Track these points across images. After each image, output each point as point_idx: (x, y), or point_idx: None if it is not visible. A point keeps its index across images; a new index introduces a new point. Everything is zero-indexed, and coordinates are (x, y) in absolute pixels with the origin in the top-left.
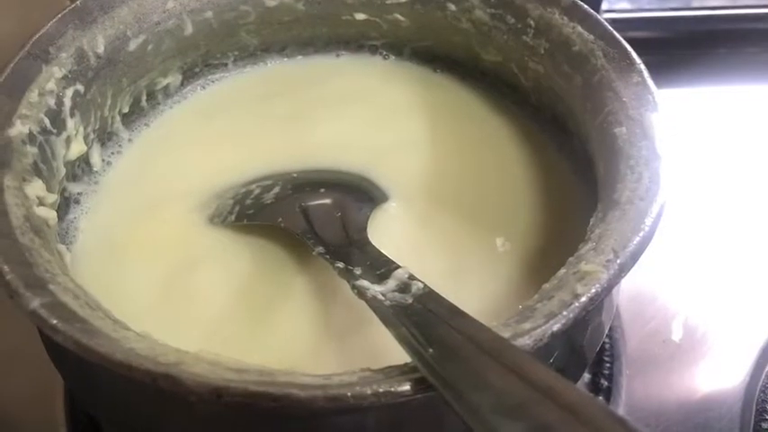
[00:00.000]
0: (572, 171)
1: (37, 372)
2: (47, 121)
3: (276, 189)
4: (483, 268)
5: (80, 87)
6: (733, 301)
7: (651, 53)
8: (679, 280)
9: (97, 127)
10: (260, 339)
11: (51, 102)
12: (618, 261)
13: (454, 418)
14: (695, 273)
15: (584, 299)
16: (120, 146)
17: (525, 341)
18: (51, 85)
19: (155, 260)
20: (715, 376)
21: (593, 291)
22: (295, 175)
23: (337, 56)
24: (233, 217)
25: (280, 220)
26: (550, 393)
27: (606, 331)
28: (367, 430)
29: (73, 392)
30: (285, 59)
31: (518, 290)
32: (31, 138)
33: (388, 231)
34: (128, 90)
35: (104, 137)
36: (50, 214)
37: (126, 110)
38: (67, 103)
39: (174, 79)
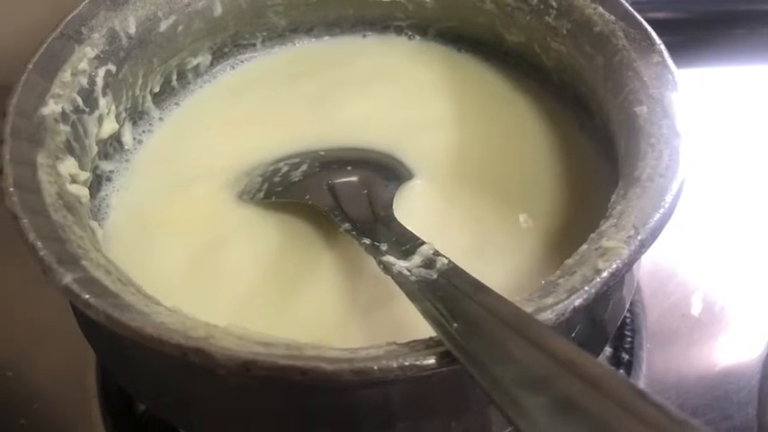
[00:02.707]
0: (593, 149)
1: (70, 345)
2: (79, 101)
3: (304, 167)
4: (506, 244)
5: (112, 67)
6: (751, 276)
7: (671, 33)
8: (698, 256)
9: (128, 106)
10: (288, 314)
11: (84, 81)
12: (639, 237)
13: (478, 390)
14: (714, 249)
15: (605, 274)
16: (150, 124)
17: (548, 315)
18: (84, 65)
19: (185, 236)
20: (733, 349)
21: (615, 266)
22: (322, 153)
23: (363, 36)
24: (261, 194)
25: (307, 197)
26: (572, 367)
27: (627, 306)
28: (393, 402)
29: (104, 366)
30: (312, 40)
31: (540, 265)
32: (63, 116)
33: (414, 208)
34: (158, 70)
35: (135, 116)
36: (83, 191)
37: (157, 89)
38: (100, 82)
39: (203, 59)
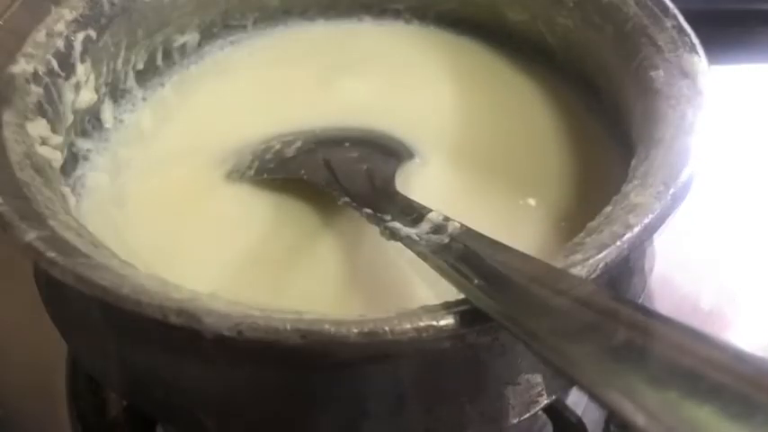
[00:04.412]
0: (602, 130)
1: (37, 347)
2: (54, 63)
3: (298, 143)
4: (512, 227)
5: (92, 33)
6: (762, 270)
7: None
8: (709, 249)
9: (110, 80)
10: (282, 293)
11: (60, 44)
12: (670, 191)
13: (492, 371)
14: (725, 242)
15: (637, 228)
16: (133, 104)
17: (579, 271)
18: (60, 27)
19: (166, 217)
20: (744, 343)
21: (647, 220)
22: (318, 132)
23: (359, 20)
24: (252, 172)
25: (303, 172)
26: (617, 316)
27: (646, 286)
28: (403, 382)
29: (77, 356)
30: (306, 23)
31: (550, 248)
32: (35, 77)
33: (417, 191)
34: (143, 44)
35: (117, 93)
36: (54, 155)
37: (140, 66)
38: (78, 47)
39: (191, 38)
